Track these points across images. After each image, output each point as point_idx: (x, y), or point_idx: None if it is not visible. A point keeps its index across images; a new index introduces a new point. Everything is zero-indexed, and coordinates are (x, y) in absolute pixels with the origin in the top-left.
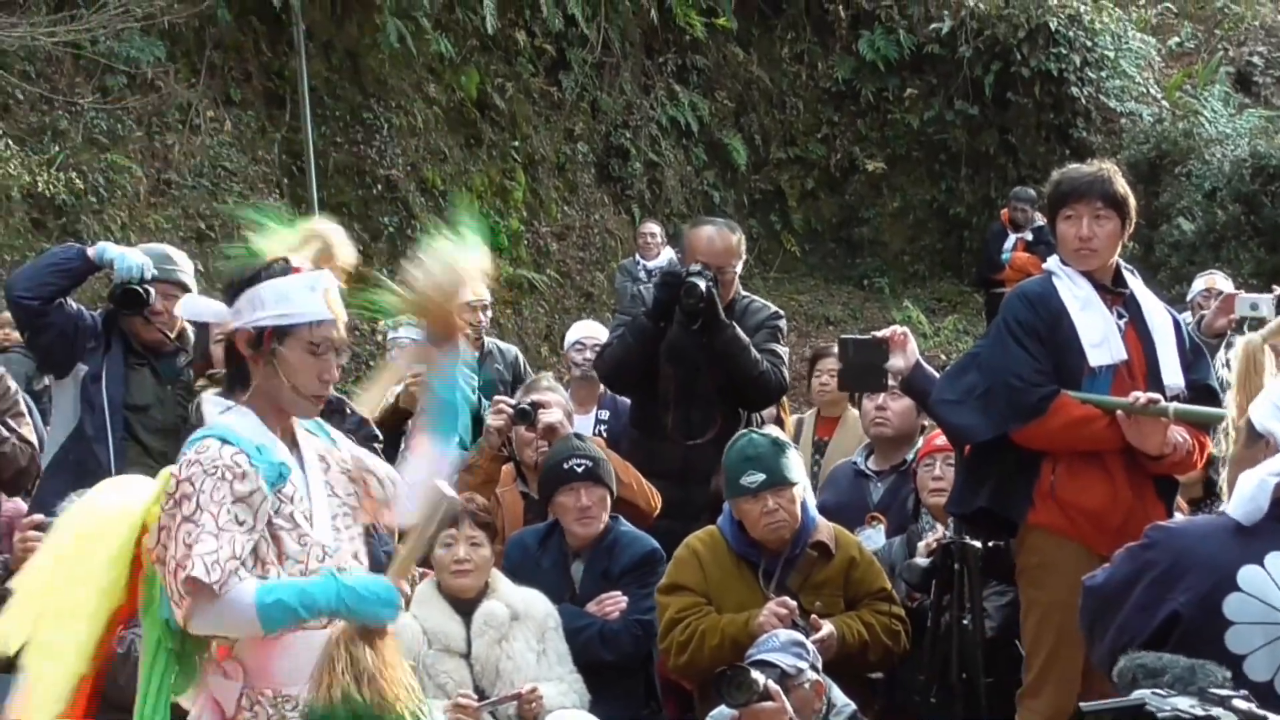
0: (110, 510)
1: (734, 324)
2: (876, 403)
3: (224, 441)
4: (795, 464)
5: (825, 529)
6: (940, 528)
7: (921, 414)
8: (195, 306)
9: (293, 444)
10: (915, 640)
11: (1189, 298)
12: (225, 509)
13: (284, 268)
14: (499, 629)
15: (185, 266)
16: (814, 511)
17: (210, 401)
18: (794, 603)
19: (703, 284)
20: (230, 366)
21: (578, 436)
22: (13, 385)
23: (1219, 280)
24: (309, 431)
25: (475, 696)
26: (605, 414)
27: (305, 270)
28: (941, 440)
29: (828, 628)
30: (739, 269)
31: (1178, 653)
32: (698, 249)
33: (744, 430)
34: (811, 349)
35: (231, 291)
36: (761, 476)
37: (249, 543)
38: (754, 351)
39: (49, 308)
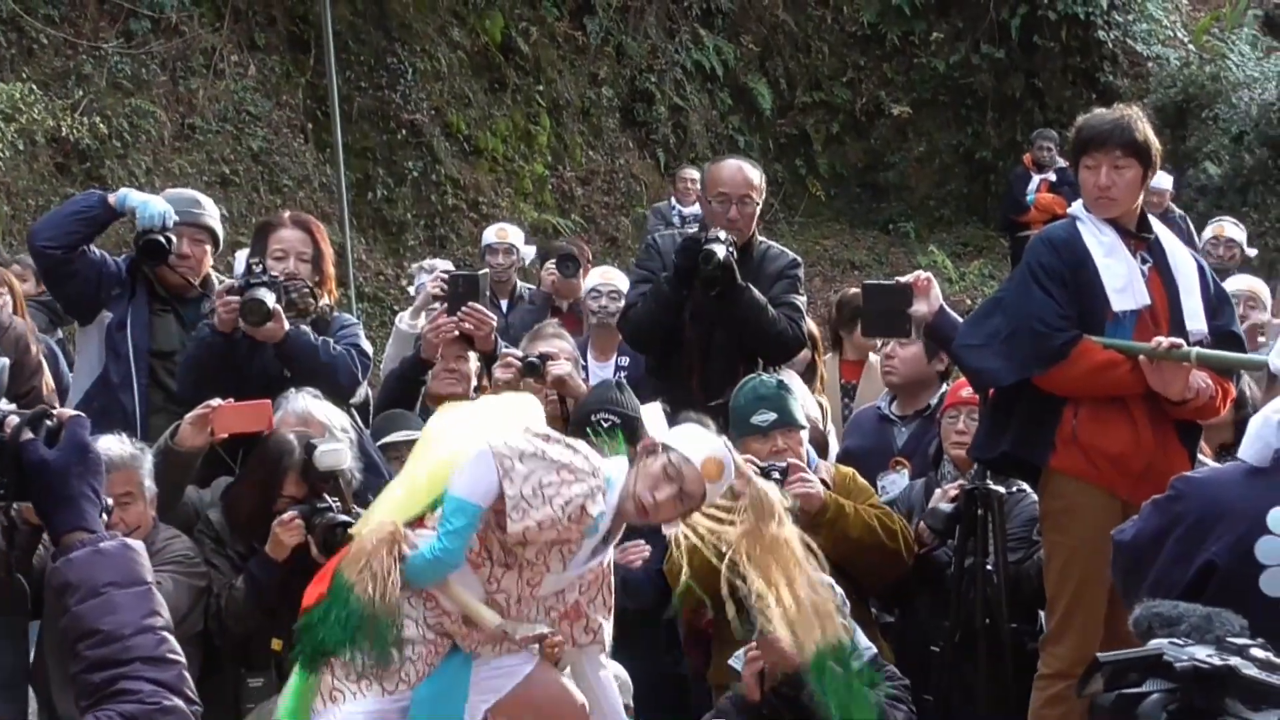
0: None
1: (750, 286)
2: (886, 350)
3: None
4: (801, 408)
5: (824, 468)
6: (962, 478)
7: (933, 360)
8: None
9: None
10: (923, 585)
11: (1200, 245)
12: None
13: None
14: None
15: (212, 211)
16: (814, 453)
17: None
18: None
19: (721, 251)
20: None
21: (618, 387)
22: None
23: (1228, 228)
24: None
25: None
26: (625, 360)
27: None
28: (966, 392)
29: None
30: (759, 203)
31: (1215, 601)
32: (719, 180)
33: (753, 374)
34: (837, 294)
35: None
36: (773, 416)
37: None
38: (771, 310)
39: (72, 255)
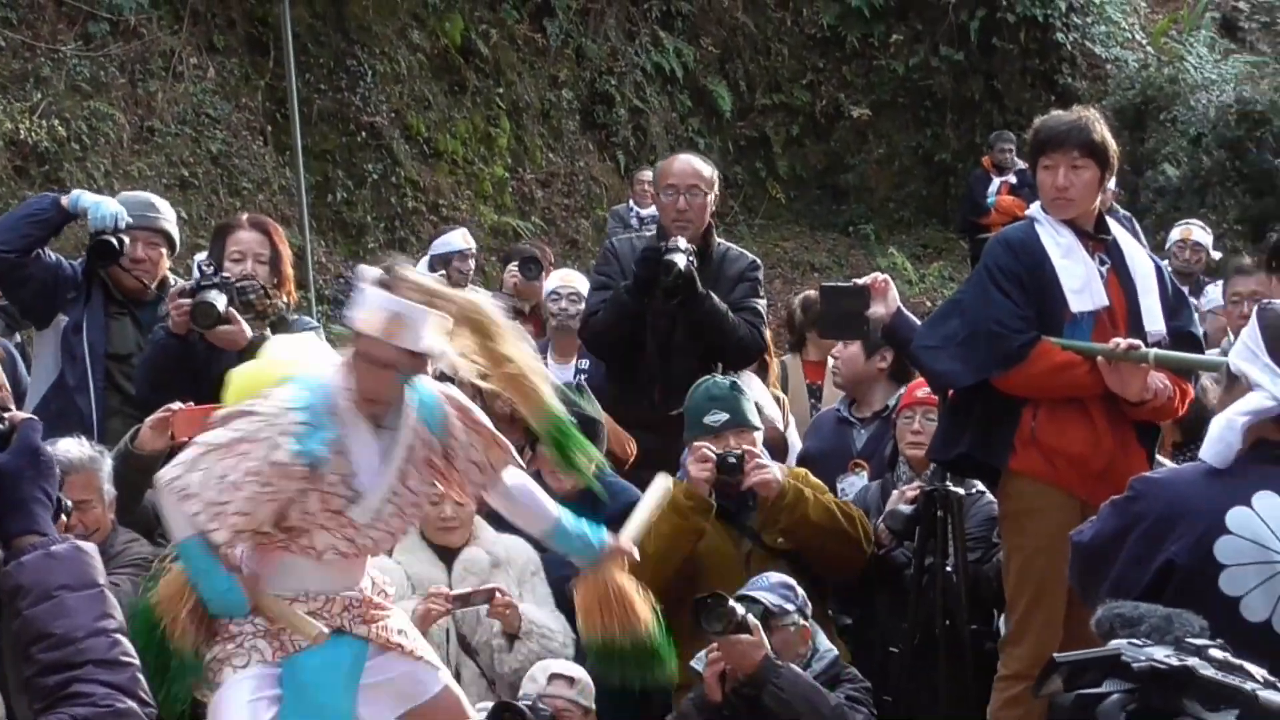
0: None
1: (711, 294)
2: (834, 351)
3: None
4: (755, 410)
5: (779, 471)
6: (917, 479)
7: (871, 357)
8: None
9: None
10: (881, 586)
11: (1166, 247)
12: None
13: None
14: (480, 575)
15: (168, 214)
16: (767, 456)
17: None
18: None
19: (681, 261)
20: None
21: (578, 389)
22: None
23: (1195, 231)
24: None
25: (448, 589)
26: (585, 363)
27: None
28: (922, 393)
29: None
30: (709, 193)
31: (1175, 601)
32: (668, 172)
33: (708, 375)
34: (798, 295)
35: None
36: (725, 416)
37: None
38: (732, 317)
39: (26, 259)
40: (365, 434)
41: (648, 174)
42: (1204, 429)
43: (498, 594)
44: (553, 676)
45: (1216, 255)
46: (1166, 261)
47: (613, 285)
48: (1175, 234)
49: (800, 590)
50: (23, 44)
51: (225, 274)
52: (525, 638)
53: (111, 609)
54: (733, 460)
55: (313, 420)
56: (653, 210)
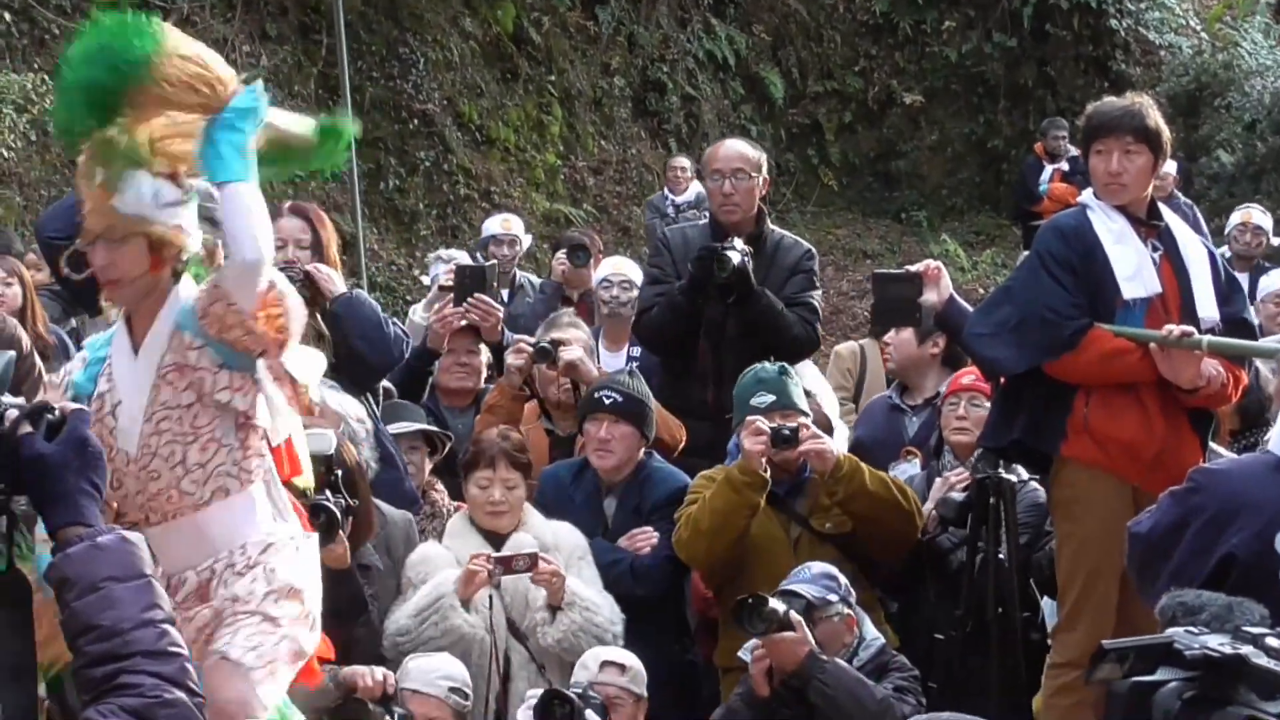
0: None
1: (766, 292)
2: (886, 337)
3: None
4: (802, 395)
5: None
6: (961, 466)
7: (924, 343)
8: None
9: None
10: (927, 572)
11: (1226, 231)
12: None
13: None
14: None
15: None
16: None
17: None
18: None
19: (736, 257)
20: None
21: (630, 374)
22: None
23: (1255, 214)
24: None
25: (490, 558)
26: (637, 350)
27: None
28: (967, 379)
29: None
30: (755, 178)
31: (1236, 593)
32: (713, 158)
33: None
34: (850, 283)
35: None
36: (771, 398)
37: None
38: (787, 315)
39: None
40: (126, 354)
41: (681, 160)
42: (1261, 416)
43: (541, 562)
44: (604, 664)
45: (1276, 241)
46: (1225, 247)
47: (666, 278)
48: (1235, 218)
49: (843, 579)
50: (76, 32)
51: None
52: (568, 609)
53: (159, 599)
54: (787, 432)
55: (93, 352)
56: (687, 197)
